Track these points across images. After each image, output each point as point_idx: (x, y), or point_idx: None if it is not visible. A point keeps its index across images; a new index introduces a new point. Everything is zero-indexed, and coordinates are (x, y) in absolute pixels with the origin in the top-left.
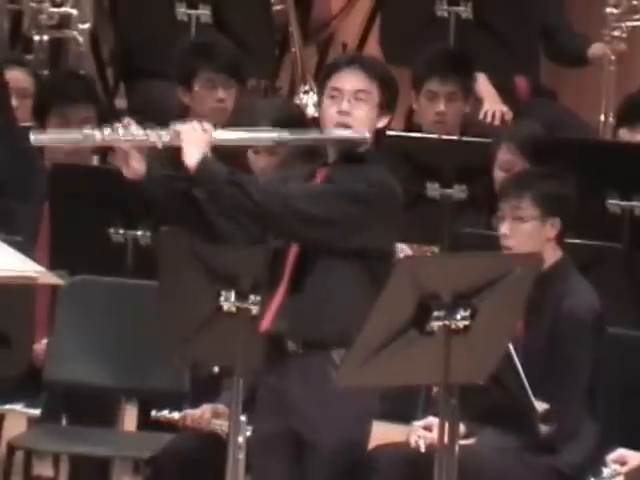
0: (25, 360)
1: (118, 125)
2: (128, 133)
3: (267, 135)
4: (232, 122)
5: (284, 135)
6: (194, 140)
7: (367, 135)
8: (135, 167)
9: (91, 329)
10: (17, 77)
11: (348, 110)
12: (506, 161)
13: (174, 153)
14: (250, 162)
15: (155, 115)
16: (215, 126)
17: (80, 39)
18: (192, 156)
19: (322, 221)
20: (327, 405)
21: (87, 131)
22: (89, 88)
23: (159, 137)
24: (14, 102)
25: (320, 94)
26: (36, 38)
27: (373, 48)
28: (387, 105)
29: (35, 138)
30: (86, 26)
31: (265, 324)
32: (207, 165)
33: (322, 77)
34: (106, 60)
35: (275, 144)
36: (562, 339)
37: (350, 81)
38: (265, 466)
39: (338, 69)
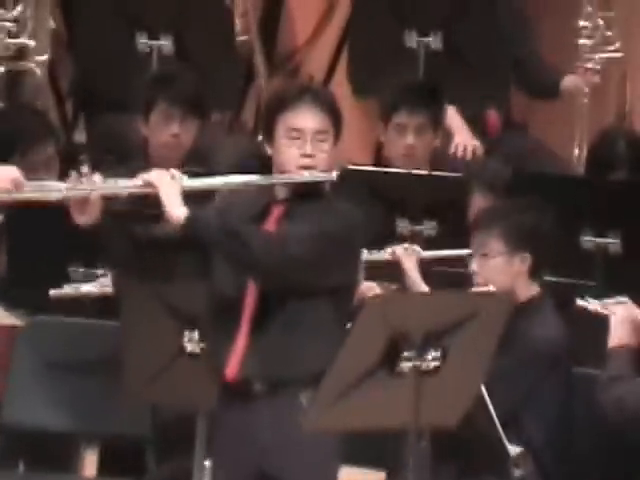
0: None
1: (82, 177)
2: (97, 185)
3: (236, 180)
4: (192, 160)
5: (253, 179)
6: (171, 189)
7: (335, 176)
8: (91, 214)
9: (50, 371)
10: None
11: (312, 154)
12: (481, 207)
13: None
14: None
15: (115, 148)
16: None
17: (38, 71)
18: (177, 207)
19: (311, 265)
20: (298, 446)
21: (54, 184)
22: (47, 124)
23: (128, 185)
24: None
25: (268, 129)
26: None
27: (340, 80)
28: (338, 136)
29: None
30: (44, 57)
31: (232, 371)
32: (197, 214)
33: (271, 110)
34: (65, 93)
35: (245, 187)
36: (510, 354)
37: (310, 121)
38: None
39: (293, 106)
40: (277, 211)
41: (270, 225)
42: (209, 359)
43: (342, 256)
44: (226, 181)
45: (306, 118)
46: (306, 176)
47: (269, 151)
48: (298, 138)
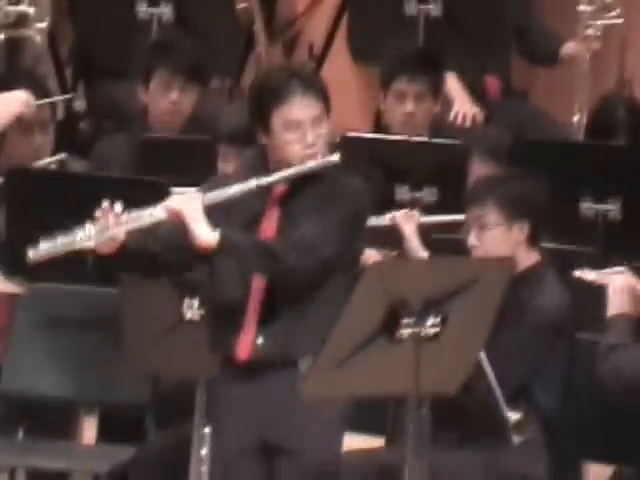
0: None
1: (105, 214)
2: (121, 225)
3: (248, 185)
4: (192, 127)
5: (263, 180)
6: (195, 215)
7: (338, 158)
8: (115, 245)
9: (50, 338)
10: None
11: (314, 143)
12: (482, 174)
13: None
14: (220, 167)
15: (115, 115)
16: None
17: (38, 38)
18: (204, 232)
19: (335, 260)
20: (301, 415)
21: (81, 234)
22: (43, 88)
23: (153, 217)
24: None
25: (262, 121)
26: None
27: (340, 47)
28: (329, 113)
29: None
30: (44, 25)
31: (242, 355)
32: (229, 238)
33: (263, 103)
34: (64, 60)
35: (257, 188)
36: (518, 327)
37: (306, 111)
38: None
39: (286, 99)
40: (274, 211)
41: (273, 215)
42: (213, 345)
43: (354, 237)
44: (241, 187)
45: (301, 109)
46: (312, 165)
47: (264, 140)
48: (297, 128)
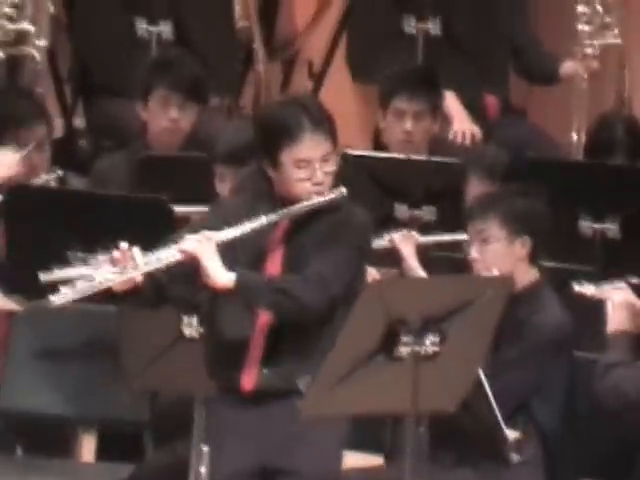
0: None
1: (121, 259)
2: (139, 268)
3: (258, 222)
4: (191, 145)
5: (272, 216)
6: (210, 256)
7: (345, 191)
8: (130, 284)
9: (48, 356)
10: None
11: (323, 180)
12: (478, 193)
13: None
14: (217, 187)
15: (114, 133)
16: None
17: (37, 56)
18: (220, 274)
19: (343, 293)
20: (301, 438)
21: (101, 279)
22: (39, 107)
23: (169, 259)
24: None
25: (271, 155)
26: None
27: (339, 65)
28: (336, 146)
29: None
30: (43, 42)
31: (248, 385)
32: (244, 279)
33: (273, 139)
34: (64, 78)
35: (268, 224)
36: (519, 344)
37: (316, 150)
38: None
39: (297, 137)
40: (277, 253)
41: (278, 252)
42: (213, 377)
43: (360, 269)
44: (251, 225)
45: (311, 148)
46: (321, 200)
47: (271, 173)
48: (306, 167)
